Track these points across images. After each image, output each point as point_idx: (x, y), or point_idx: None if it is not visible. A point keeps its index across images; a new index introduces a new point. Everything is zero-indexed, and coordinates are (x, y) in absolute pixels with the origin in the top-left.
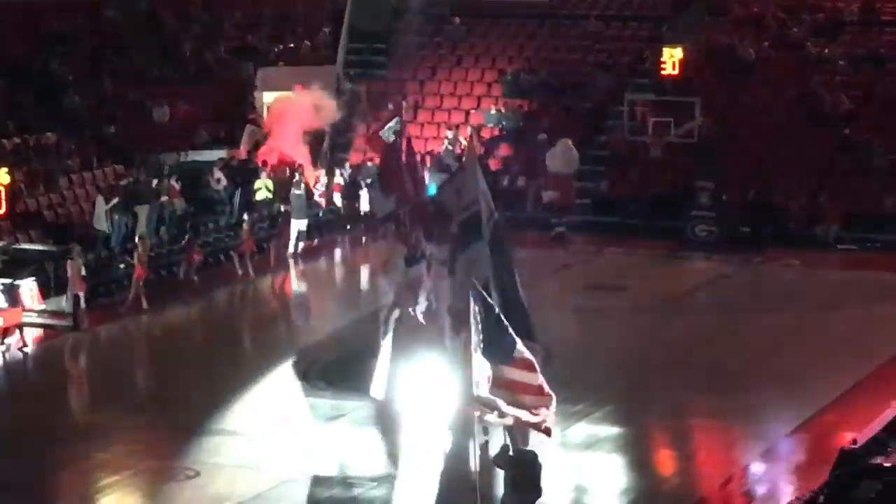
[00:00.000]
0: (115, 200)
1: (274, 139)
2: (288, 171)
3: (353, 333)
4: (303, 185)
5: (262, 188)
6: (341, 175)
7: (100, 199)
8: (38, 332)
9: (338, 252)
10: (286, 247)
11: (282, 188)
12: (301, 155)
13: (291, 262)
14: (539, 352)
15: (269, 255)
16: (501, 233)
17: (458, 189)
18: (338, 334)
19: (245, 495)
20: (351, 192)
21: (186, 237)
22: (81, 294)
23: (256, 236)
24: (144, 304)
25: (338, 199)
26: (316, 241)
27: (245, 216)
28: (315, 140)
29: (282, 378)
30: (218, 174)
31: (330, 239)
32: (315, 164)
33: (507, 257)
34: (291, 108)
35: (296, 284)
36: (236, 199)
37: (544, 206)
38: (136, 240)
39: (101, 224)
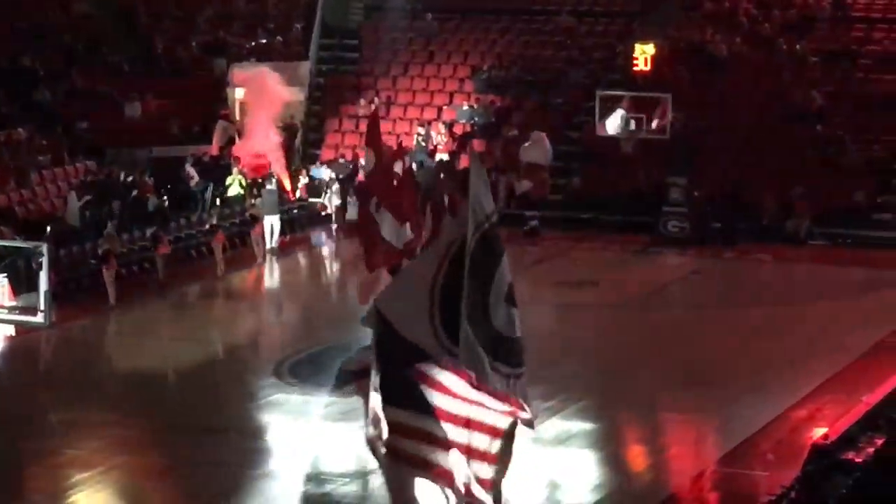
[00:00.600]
0: (88, 198)
1: (248, 136)
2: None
3: (326, 329)
4: (274, 181)
5: (235, 184)
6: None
7: (72, 195)
8: (10, 328)
9: (311, 248)
10: (260, 243)
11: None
12: (274, 151)
13: (265, 257)
14: (501, 375)
15: (241, 251)
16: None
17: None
18: (310, 330)
19: (217, 492)
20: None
21: (153, 231)
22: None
23: (228, 231)
24: (112, 300)
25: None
26: (288, 236)
27: (214, 211)
28: (288, 136)
29: (254, 374)
30: (190, 170)
31: (303, 235)
32: (288, 160)
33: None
34: (264, 97)
35: (268, 280)
36: (208, 195)
37: (518, 199)
38: (106, 235)
39: (74, 220)
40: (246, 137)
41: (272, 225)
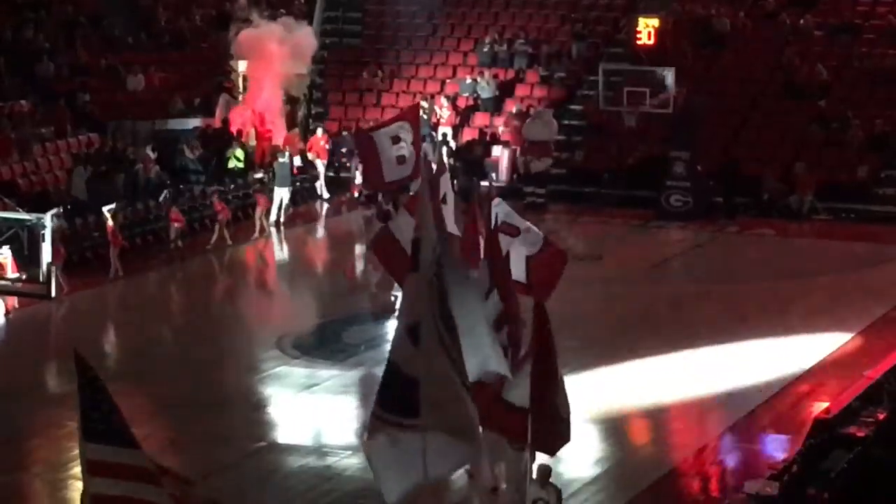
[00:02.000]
0: (90, 169)
1: (249, 102)
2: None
3: (329, 302)
4: (287, 154)
5: (233, 157)
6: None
7: (79, 169)
8: (13, 300)
9: (319, 221)
10: (267, 215)
11: (257, 157)
12: (277, 121)
13: (273, 230)
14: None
15: (244, 224)
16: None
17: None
18: (315, 303)
19: (220, 464)
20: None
21: (164, 202)
22: (57, 262)
23: (232, 205)
24: (113, 272)
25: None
26: (292, 209)
27: (217, 185)
28: (291, 108)
29: (257, 346)
30: (193, 143)
31: (309, 207)
32: (290, 130)
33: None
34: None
35: (275, 253)
36: (211, 169)
37: (524, 175)
38: (107, 210)
39: (81, 193)
40: (247, 100)
41: (282, 198)
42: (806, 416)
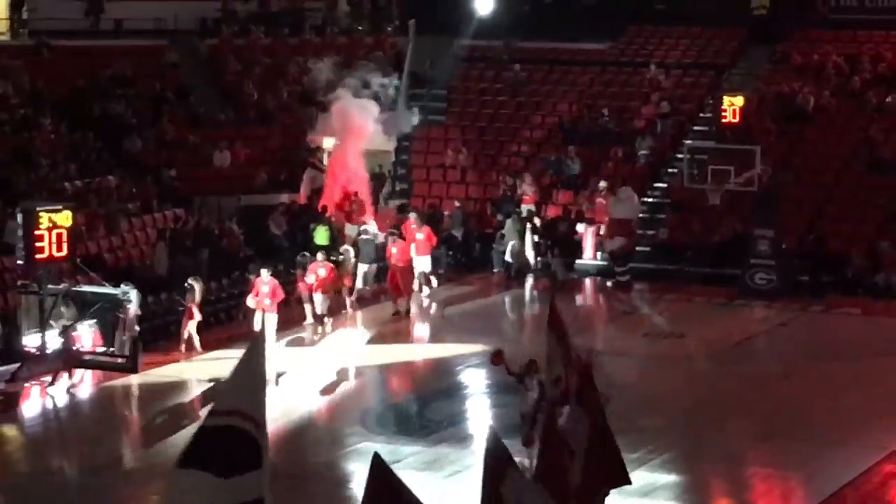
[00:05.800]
0: (168, 237)
1: (333, 178)
2: (347, 208)
3: (412, 379)
4: (372, 229)
5: (322, 232)
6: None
7: (161, 245)
8: (98, 373)
9: (402, 299)
10: (350, 291)
11: (342, 230)
12: (363, 192)
13: (354, 306)
14: None
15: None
16: None
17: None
18: (397, 379)
19: None
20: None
21: (245, 277)
22: (137, 336)
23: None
24: (198, 346)
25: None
26: (377, 286)
27: (300, 258)
28: (376, 185)
29: (340, 421)
30: (278, 219)
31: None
32: (375, 206)
33: None
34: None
35: (357, 329)
36: (297, 244)
37: (613, 255)
38: (191, 282)
39: (163, 269)
40: (331, 176)
41: (365, 273)
42: (892, 497)
